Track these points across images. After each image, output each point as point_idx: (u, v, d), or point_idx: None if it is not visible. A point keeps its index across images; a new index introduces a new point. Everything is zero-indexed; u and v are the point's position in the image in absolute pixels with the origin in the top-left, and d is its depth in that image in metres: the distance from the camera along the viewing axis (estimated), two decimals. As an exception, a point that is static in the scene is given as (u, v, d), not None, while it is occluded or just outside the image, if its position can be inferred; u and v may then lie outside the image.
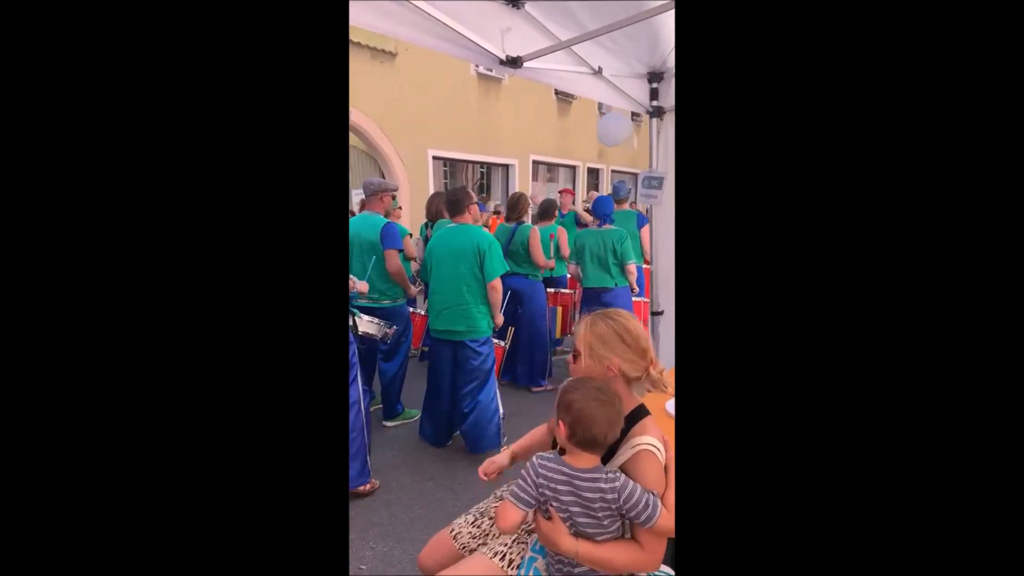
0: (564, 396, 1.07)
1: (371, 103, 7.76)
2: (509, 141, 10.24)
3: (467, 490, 2.52)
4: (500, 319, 2.86)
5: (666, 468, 1.11)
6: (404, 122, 8.25)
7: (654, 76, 2.58)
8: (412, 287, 3.27)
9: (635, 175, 12.53)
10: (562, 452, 1.11)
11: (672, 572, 1.19)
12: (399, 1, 1.77)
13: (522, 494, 1.07)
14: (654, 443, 1.10)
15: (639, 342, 1.19)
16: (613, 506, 1.03)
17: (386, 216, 3.19)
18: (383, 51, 7.88)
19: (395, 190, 3.28)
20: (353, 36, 7.43)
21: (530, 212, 4.21)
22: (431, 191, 8.84)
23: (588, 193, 9.59)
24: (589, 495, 1.03)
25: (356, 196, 6.40)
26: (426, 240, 3.97)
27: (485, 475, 1.36)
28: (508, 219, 4.00)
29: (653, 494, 1.03)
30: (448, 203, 2.87)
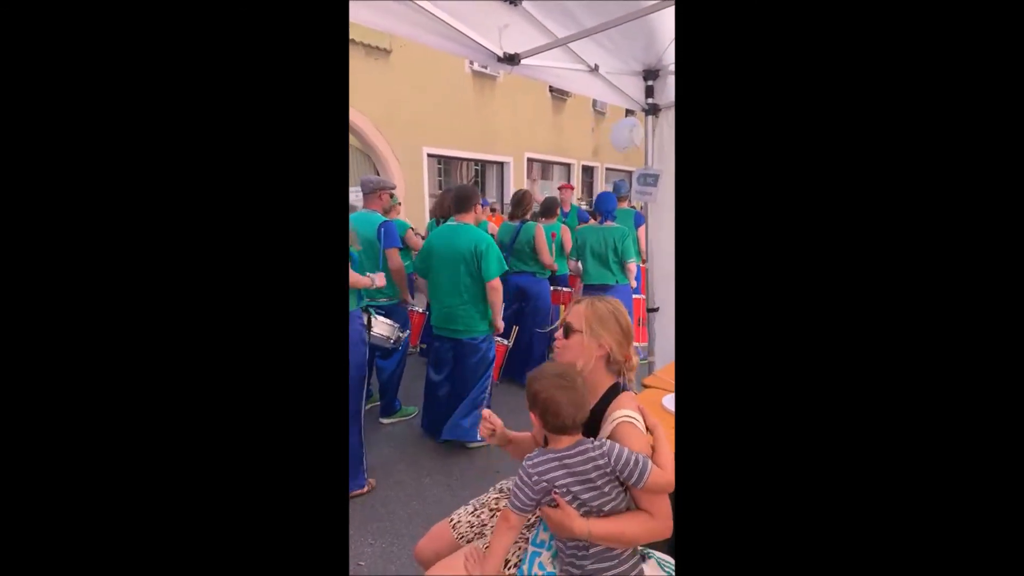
0: (529, 388, 1.12)
1: (366, 100, 7.73)
2: (504, 139, 10.23)
3: (464, 486, 2.52)
4: (500, 324, 2.84)
5: (650, 430, 1.16)
6: (399, 119, 8.23)
7: (650, 74, 2.59)
8: (409, 296, 3.26)
9: (630, 173, 12.54)
10: (545, 443, 1.14)
11: (671, 560, 1.20)
12: (397, -2, 1.77)
13: (518, 503, 1.09)
14: (630, 414, 1.15)
15: (628, 327, 1.29)
16: (607, 470, 1.06)
17: (384, 214, 3.18)
18: (378, 48, 7.85)
19: (393, 188, 3.28)
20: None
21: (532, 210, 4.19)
22: (426, 189, 8.83)
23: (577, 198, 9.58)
24: (583, 468, 1.06)
25: (354, 194, 6.37)
26: None
27: (485, 424, 1.33)
28: (512, 217, 3.97)
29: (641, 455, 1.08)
30: (456, 199, 2.84)
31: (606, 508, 1.08)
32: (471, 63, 9.31)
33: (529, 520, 1.23)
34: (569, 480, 1.07)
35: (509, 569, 1.19)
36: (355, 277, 2.21)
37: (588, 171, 13.01)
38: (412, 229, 3.75)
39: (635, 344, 1.32)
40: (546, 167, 11.98)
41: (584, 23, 2.09)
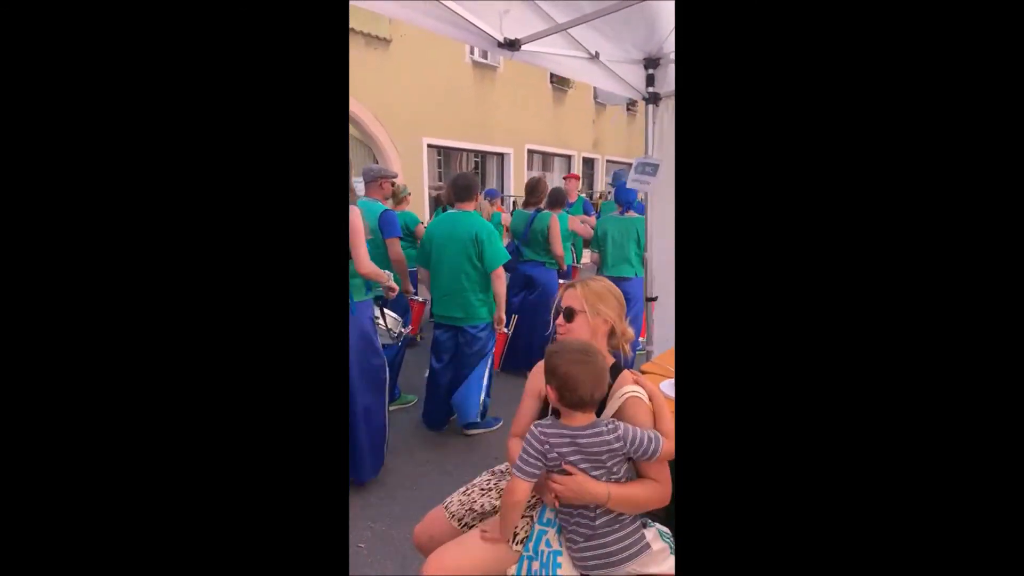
0: (549, 361, 1.12)
1: (365, 90, 7.69)
2: (504, 130, 10.20)
3: (463, 472, 2.54)
4: (503, 316, 2.85)
5: (651, 398, 1.20)
6: (399, 110, 8.19)
7: (650, 62, 2.58)
8: (411, 287, 3.25)
9: (631, 165, 12.50)
10: (556, 414, 1.16)
11: (668, 529, 1.22)
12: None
13: (527, 466, 1.10)
14: (636, 390, 1.19)
15: (622, 299, 1.35)
16: (620, 452, 1.09)
17: (395, 205, 3.17)
18: (377, 37, 7.80)
19: (394, 177, 3.27)
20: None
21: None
22: (426, 179, 8.81)
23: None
24: (595, 449, 1.08)
25: (357, 184, 6.35)
26: None
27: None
28: (527, 205, 3.92)
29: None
30: (457, 187, 2.81)
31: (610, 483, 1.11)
32: (471, 53, 9.25)
33: (531, 500, 1.25)
34: (577, 457, 1.09)
35: (516, 544, 1.21)
36: (371, 266, 2.20)
37: (588, 163, 12.98)
38: (422, 224, 3.74)
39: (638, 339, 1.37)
40: (547, 158, 11.95)
41: (584, 9, 2.08)
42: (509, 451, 1.31)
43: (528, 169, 10.98)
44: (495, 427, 3.04)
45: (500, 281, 2.74)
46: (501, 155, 10.53)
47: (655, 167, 2.62)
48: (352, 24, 7.36)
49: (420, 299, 3.47)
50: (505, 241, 4.09)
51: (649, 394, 1.20)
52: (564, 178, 5.16)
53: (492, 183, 10.44)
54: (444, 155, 9.64)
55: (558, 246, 3.73)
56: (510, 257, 2.90)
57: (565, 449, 1.09)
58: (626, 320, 1.35)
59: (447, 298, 2.78)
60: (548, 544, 1.17)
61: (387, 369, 2.42)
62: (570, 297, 1.32)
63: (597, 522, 1.11)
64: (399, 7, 1.84)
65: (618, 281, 3.49)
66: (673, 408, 1.25)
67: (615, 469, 1.10)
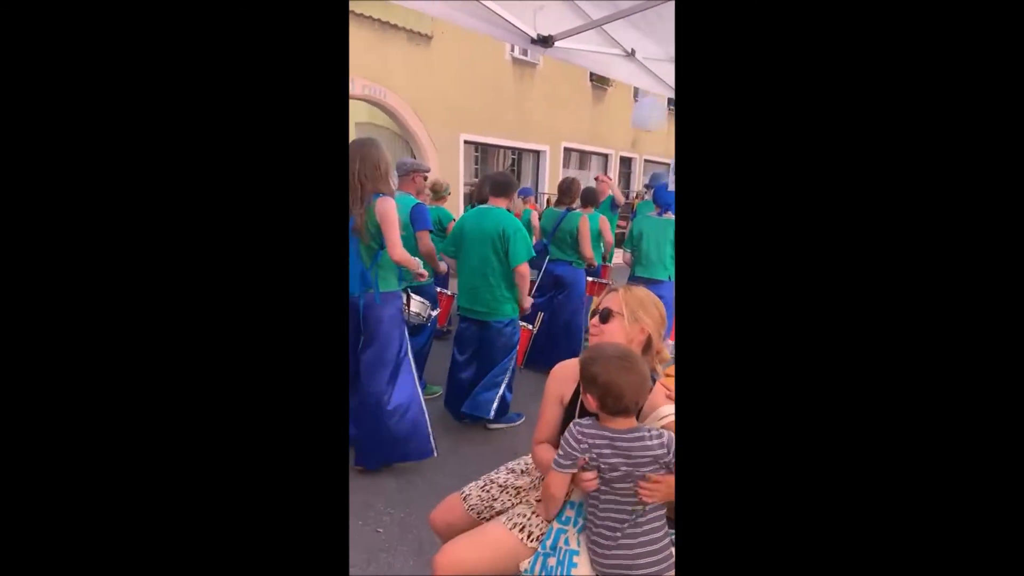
0: (587, 369, 1.08)
1: (405, 85, 7.81)
2: (542, 127, 10.17)
3: (482, 464, 2.55)
4: (527, 303, 2.85)
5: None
6: (438, 105, 8.28)
7: (689, 59, 2.53)
8: (441, 264, 3.29)
9: (668, 165, 12.29)
10: (589, 414, 1.14)
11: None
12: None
13: (565, 460, 1.09)
14: (671, 410, 1.16)
15: (663, 315, 1.29)
16: (662, 460, 1.06)
17: (420, 196, 3.21)
18: (419, 34, 7.90)
19: (427, 170, 3.31)
20: (389, 18, 7.47)
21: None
22: (461, 176, 8.89)
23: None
24: (637, 454, 1.06)
25: (392, 177, 6.47)
26: None
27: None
28: (559, 203, 3.91)
29: None
30: (494, 184, 2.83)
31: (624, 498, 1.09)
32: (512, 50, 9.27)
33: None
34: (617, 460, 1.06)
35: (532, 542, 1.21)
36: (405, 253, 2.21)
37: (626, 162, 12.82)
38: (455, 220, 3.79)
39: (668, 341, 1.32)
40: (584, 157, 11.87)
41: (620, 5, 2.06)
42: (535, 455, 1.30)
43: (564, 167, 10.93)
44: (517, 422, 3.05)
45: (523, 279, 2.74)
46: (537, 152, 10.51)
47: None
48: (395, 20, 7.49)
49: (449, 292, 3.51)
50: (535, 239, 4.09)
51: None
52: (595, 179, 5.14)
53: (527, 180, 10.45)
54: (481, 151, 9.70)
55: (587, 246, 3.70)
56: (535, 254, 2.90)
57: (605, 451, 1.06)
58: (664, 338, 1.30)
59: (473, 292, 2.82)
60: (567, 543, 1.16)
61: (410, 356, 2.44)
62: (610, 299, 1.30)
63: (632, 529, 1.08)
64: (434, 4, 1.87)
65: (650, 283, 3.44)
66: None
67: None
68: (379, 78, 7.56)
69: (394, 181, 3.28)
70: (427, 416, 2.46)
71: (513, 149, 10.20)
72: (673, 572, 1.09)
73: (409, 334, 3.24)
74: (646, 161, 13.11)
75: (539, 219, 4.39)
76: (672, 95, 2.79)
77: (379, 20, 7.47)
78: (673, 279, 3.47)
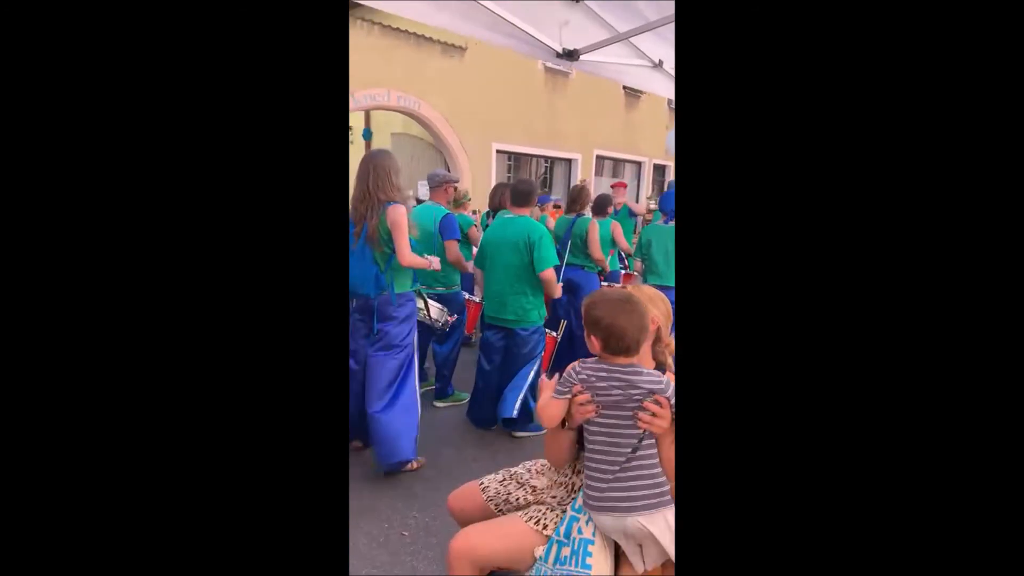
0: (591, 313, 1.14)
1: (439, 96, 7.98)
2: (574, 135, 10.19)
3: (508, 473, 2.59)
4: (557, 292, 2.89)
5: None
6: (470, 115, 8.42)
7: (718, 69, 2.51)
8: (468, 264, 3.36)
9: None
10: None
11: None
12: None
13: (563, 388, 1.15)
14: None
15: (669, 310, 1.35)
16: (658, 393, 1.09)
17: (454, 207, 3.31)
18: (453, 46, 8.07)
19: (456, 181, 3.40)
20: (425, 32, 7.66)
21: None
22: (493, 184, 8.99)
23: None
24: (633, 381, 1.10)
25: (422, 188, 6.65)
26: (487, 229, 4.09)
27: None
28: (568, 211, 4.02)
29: None
30: (515, 193, 2.91)
31: (627, 431, 1.12)
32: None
33: (566, 494, 1.29)
34: (613, 386, 1.10)
35: (547, 530, 1.24)
36: (413, 257, 2.32)
37: (660, 170, 12.68)
38: (475, 226, 3.88)
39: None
40: (617, 164, 11.81)
41: (647, 16, 2.08)
42: (539, 408, 1.31)
43: (597, 175, 10.90)
44: (543, 431, 3.06)
45: (549, 285, 2.77)
46: (569, 160, 10.52)
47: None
48: (430, 34, 7.67)
49: (476, 299, 3.57)
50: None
51: None
52: (611, 186, 5.16)
53: (559, 188, 10.46)
54: (513, 160, 9.78)
55: (597, 249, 3.78)
56: (559, 261, 2.93)
57: (602, 380, 1.11)
58: (672, 333, 1.34)
59: (499, 300, 2.85)
60: (580, 531, 1.19)
61: (415, 358, 2.51)
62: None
63: (628, 463, 1.11)
64: (461, 21, 1.92)
65: (662, 290, 3.45)
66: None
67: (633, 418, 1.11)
68: (414, 90, 7.75)
69: (424, 191, 3.37)
70: (418, 419, 2.51)
71: (545, 157, 10.24)
72: (672, 508, 1.10)
73: (437, 342, 3.33)
74: (680, 168, 12.92)
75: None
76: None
77: (415, 34, 7.68)
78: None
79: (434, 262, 2.48)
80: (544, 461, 1.50)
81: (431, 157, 8.94)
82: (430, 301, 2.74)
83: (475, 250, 4.20)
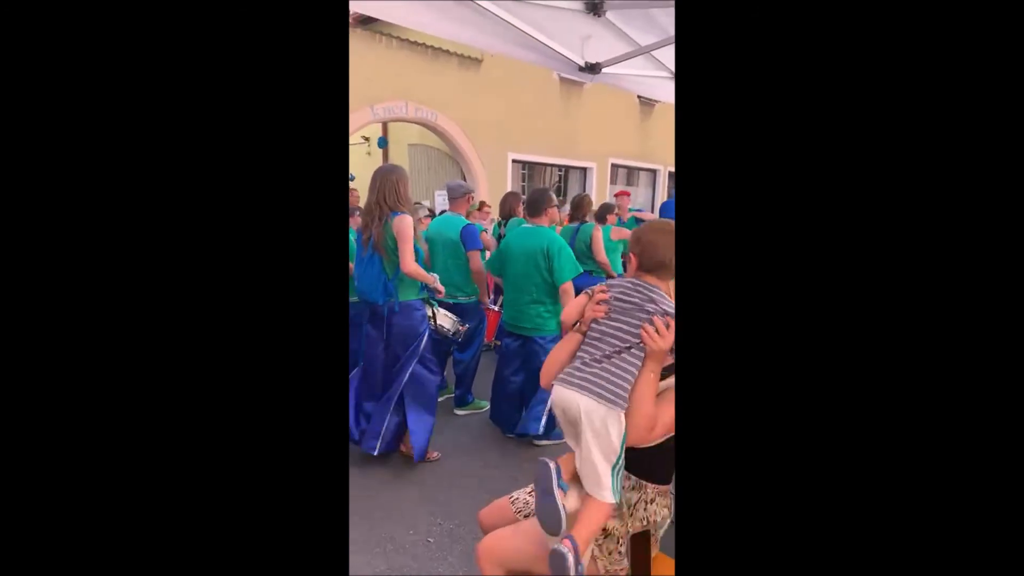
0: (633, 235, 1.32)
1: (456, 107, 8.07)
2: (588, 144, 10.22)
3: (529, 479, 2.59)
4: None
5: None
6: (486, 125, 8.50)
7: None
8: (487, 298, 3.42)
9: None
10: None
11: None
12: (479, 5, 1.89)
13: (588, 291, 1.28)
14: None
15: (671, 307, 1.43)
16: (671, 315, 1.17)
17: (468, 215, 3.37)
18: (470, 58, 8.18)
19: (472, 192, 3.47)
20: (442, 44, 7.78)
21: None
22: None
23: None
24: (651, 296, 1.19)
25: (439, 197, 6.74)
26: (499, 238, 4.14)
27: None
28: (572, 219, 4.21)
29: None
30: (527, 204, 2.97)
31: (626, 345, 1.19)
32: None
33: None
34: (630, 292, 1.21)
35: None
36: (416, 267, 2.44)
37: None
38: (484, 232, 3.95)
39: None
40: (631, 172, 11.80)
41: (668, 30, 2.10)
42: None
43: (611, 183, 10.91)
44: (563, 439, 3.07)
45: (567, 296, 2.79)
46: (584, 169, 10.55)
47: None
48: (447, 47, 7.78)
49: (496, 308, 3.61)
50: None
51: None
52: (616, 195, 5.24)
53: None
54: (528, 169, 9.84)
55: (601, 254, 3.92)
56: (580, 271, 2.95)
57: (624, 290, 1.22)
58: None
59: (517, 308, 2.88)
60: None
61: (414, 360, 2.61)
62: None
63: (616, 358, 1.18)
64: (482, 36, 1.97)
65: None
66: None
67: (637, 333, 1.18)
68: (431, 101, 7.86)
69: (441, 202, 3.43)
70: (397, 421, 2.62)
71: (560, 166, 10.28)
72: (618, 417, 1.15)
73: (457, 350, 3.36)
74: (696, 176, 12.85)
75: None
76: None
77: (431, 47, 7.80)
78: None
79: (439, 286, 2.59)
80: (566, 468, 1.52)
81: (448, 167, 9.04)
82: (439, 310, 2.79)
83: (488, 253, 4.27)
